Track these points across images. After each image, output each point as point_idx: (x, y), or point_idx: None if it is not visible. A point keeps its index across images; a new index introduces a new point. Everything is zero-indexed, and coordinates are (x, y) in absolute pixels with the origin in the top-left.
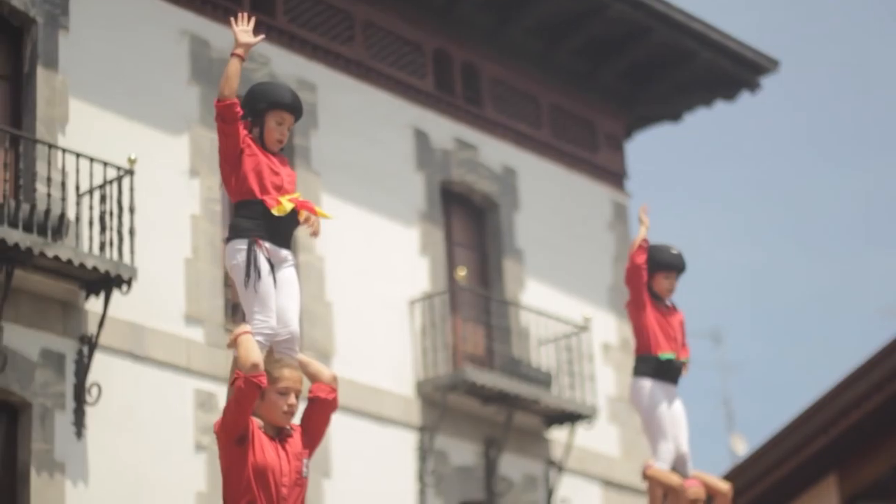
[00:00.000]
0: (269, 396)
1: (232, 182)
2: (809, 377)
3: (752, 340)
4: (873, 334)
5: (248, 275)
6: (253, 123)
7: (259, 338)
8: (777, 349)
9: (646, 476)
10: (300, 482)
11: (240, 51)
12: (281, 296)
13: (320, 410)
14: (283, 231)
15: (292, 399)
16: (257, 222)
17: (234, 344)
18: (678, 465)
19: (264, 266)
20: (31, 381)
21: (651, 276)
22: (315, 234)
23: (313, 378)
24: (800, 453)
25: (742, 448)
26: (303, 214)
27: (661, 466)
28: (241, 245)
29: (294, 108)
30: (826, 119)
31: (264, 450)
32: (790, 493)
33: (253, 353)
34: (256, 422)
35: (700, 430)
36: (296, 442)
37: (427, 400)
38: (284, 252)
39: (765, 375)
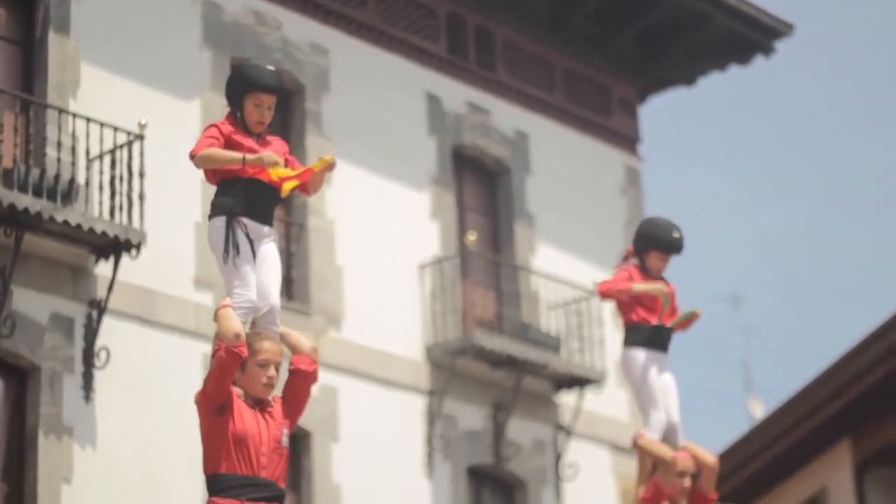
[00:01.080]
0: (249, 368)
1: (211, 172)
2: (828, 341)
3: (770, 304)
4: (891, 297)
5: (226, 251)
6: (235, 107)
7: (240, 312)
8: (796, 313)
9: (636, 446)
10: (280, 451)
11: (248, 166)
12: (261, 271)
13: (301, 382)
14: (263, 207)
15: (272, 371)
16: (237, 200)
17: (216, 318)
18: (669, 435)
19: (243, 242)
20: (40, 345)
21: (646, 251)
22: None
23: (294, 350)
24: (814, 417)
25: (760, 411)
26: (284, 189)
27: (653, 436)
28: (220, 222)
29: (269, 87)
30: (841, 82)
31: (244, 418)
32: (804, 456)
33: (234, 323)
34: (237, 391)
35: (718, 394)
36: (277, 412)
37: (436, 364)
38: (264, 228)
39: (783, 339)
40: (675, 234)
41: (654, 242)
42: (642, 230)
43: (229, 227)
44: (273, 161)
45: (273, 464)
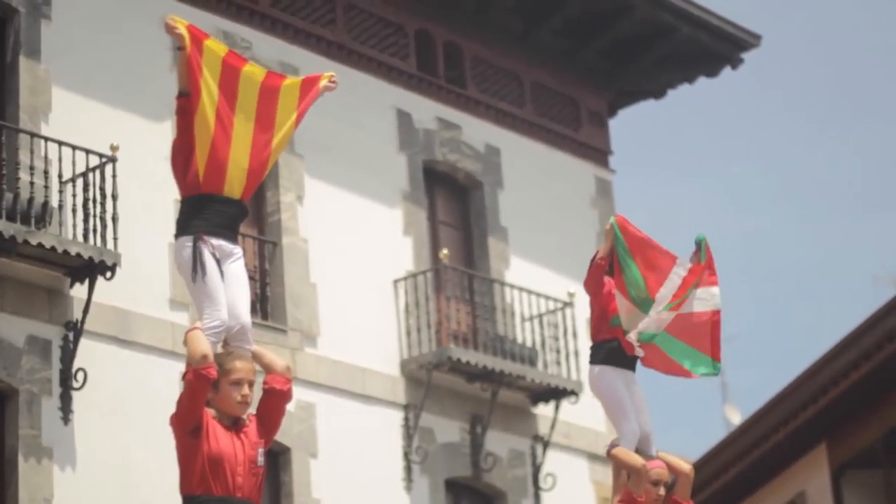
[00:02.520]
0: (222, 388)
1: (181, 176)
2: (803, 345)
3: (744, 311)
4: (868, 301)
5: (195, 270)
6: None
7: (210, 332)
8: (770, 318)
9: (609, 456)
10: (255, 471)
11: (180, 42)
12: (230, 289)
13: (275, 401)
14: (227, 225)
15: (245, 389)
16: (202, 218)
17: (186, 340)
18: (642, 445)
19: (210, 261)
20: (17, 368)
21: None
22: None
23: (267, 369)
24: (790, 423)
25: (736, 418)
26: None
27: (626, 447)
28: (187, 242)
29: None
30: (808, 90)
31: (218, 439)
32: (782, 461)
33: (201, 345)
34: (210, 412)
35: (694, 401)
36: (252, 431)
37: (412, 378)
38: (230, 246)
39: (758, 345)
40: None
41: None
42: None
43: (196, 247)
44: (171, 22)
45: (248, 484)
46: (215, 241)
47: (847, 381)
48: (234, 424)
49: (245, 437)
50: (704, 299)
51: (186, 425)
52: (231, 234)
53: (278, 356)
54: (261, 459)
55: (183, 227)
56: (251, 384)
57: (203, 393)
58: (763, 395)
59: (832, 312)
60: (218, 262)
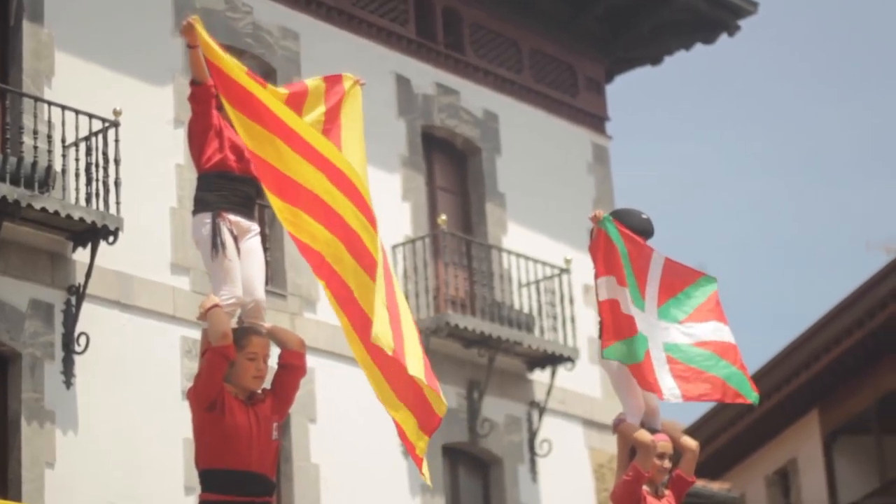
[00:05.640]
0: (238, 362)
1: (197, 155)
2: (795, 312)
3: (737, 276)
4: (860, 268)
5: (214, 247)
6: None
7: (226, 309)
8: (762, 284)
9: (616, 431)
10: (271, 445)
11: (189, 41)
12: (246, 266)
13: (289, 376)
14: (245, 202)
15: (261, 364)
16: (220, 195)
17: (203, 317)
18: (648, 419)
19: (228, 238)
20: (20, 332)
21: None
22: None
23: (282, 345)
24: (782, 389)
25: None
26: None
27: (632, 421)
28: (206, 219)
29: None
30: (805, 57)
31: (234, 414)
32: (774, 427)
33: (222, 324)
34: (228, 388)
35: None
36: (266, 406)
37: None
38: (248, 223)
39: (750, 311)
40: (644, 216)
41: (628, 229)
42: None
43: (215, 224)
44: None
45: (264, 457)
46: (233, 218)
47: (839, 348)
48: (249, 399)
49: (260, 411)
50: (721, 332)
51: (204, 401)
52: (248, 211)
53: (293, 332)
54: (275, 433)
55: (201, 204)
56: (266, 359)
57: (221, 370)
58: (755, 361)
59: (824, 279)
60: (235, 238)
